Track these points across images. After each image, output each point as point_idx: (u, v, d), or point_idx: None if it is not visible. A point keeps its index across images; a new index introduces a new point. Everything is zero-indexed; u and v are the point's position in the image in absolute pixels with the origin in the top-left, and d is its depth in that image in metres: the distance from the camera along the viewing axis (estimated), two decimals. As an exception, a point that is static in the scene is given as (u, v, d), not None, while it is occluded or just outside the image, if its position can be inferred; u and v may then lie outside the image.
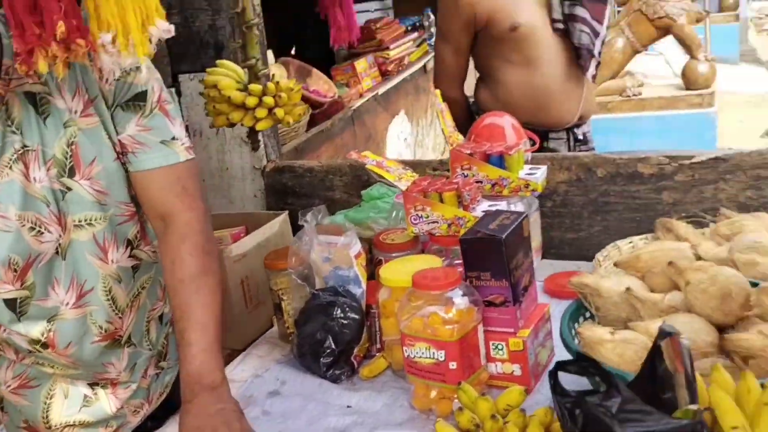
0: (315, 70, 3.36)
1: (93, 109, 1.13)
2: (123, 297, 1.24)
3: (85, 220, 1.15)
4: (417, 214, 1.47)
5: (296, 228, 1.53)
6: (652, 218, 1.76)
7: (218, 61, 1.74)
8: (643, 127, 4.76)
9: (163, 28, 0.93)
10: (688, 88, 4.72)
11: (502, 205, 1.52)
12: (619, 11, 5.12)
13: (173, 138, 1.19)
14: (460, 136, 1.69)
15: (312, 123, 3.06)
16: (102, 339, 1.23)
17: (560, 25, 2.06)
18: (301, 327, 1.42)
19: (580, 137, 2.20)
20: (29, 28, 0.82)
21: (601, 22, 2.06)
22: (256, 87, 1.62)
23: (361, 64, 3.48)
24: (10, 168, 1.08)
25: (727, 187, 1.77)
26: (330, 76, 3.56)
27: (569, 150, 2.17)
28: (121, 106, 1.15)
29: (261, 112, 1.62)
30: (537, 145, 1.75)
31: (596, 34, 2.05)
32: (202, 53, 2.51)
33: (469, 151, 1.62)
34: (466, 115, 2.22)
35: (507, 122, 1.78)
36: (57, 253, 1.15)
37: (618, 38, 4.76)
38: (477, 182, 1.61)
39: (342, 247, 1.45)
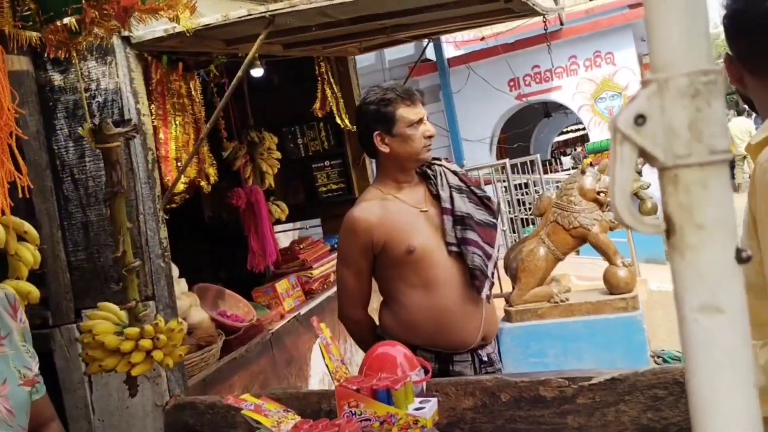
0: (234, 295, 3.34)
1: (6, 342, 1.34)
2: None
3: None
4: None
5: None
6: (559, 445, 1.67)
7: (100, 304, 1.70)
8: (574, 331, 4.79)
9: None
10: (611, 293, 4.85)
11: (388, 447, 1.42)
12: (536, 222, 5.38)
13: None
14: (348, 370, 1.63)
15: (227, 350, 2.96)
16: None
17: (454, 248, 2.11)
18: None
19: (485, 359, 2.16)
20: None
21: (492, 245, 2.13)
22: (132, 331, 1.56)
23: (282, 285, 3.48)
24: None
25: (627, 409, 1.71)
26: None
27: (475, 373, 2.11)
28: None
29: (136, 357, 1.54)
30: (429, 374, 1.70)
31: (488, 256, 2.11)
32: (106, 288, 2.48)
33: (355, 387, 1.55)
34: (371, 338, 2.19)
35: (399, 352, 1.74)
36: None
37: (540, 247, 4.96)
38: (365, 420, 1.52)
39: None
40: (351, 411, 1.54)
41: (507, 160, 6.22)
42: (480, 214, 2.14)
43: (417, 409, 1.53)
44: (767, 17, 1.16)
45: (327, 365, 1.61)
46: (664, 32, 0.38)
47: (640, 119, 0.39)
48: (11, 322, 1.37)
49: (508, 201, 6.93)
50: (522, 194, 8.72)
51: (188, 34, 1.96)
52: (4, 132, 1.00)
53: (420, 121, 2.11)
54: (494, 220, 2.17)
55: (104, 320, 1.59)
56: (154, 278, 2.43)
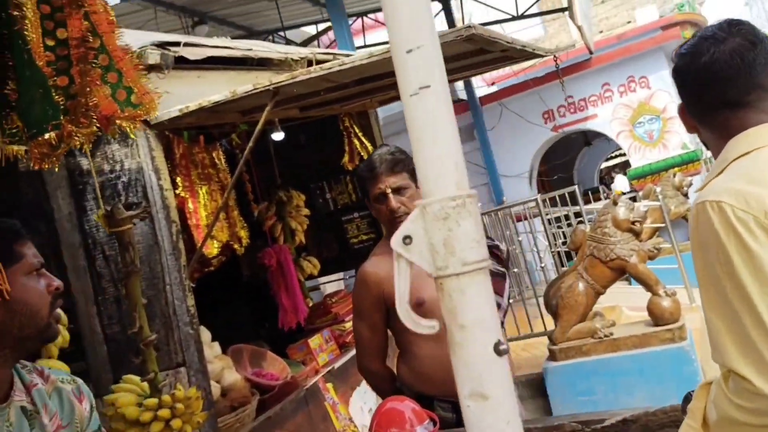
0: (269, 353, 3.41)
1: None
2: None
3: None
4: None
5: None
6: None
7: (124, 377, 1.80)
8: (621, 366, 4.67)
9: None
10: (656, 324, 4.72)
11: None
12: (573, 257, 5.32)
13: None
14: (357, 428, 1.68)
15: (264, 409, 3.03)
16: None
17: (464, 300, 2.14)
18: None
19: (501, 406, 2.16)
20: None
21: (501, 295, 2.16)
22: (150, 401, 1.65)
23: (315, 341, 3.55)
24: None
25: (640, 452, 1.70)
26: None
27: (493, 421, 2.11)
28: None
29: (156, 427, 1.63)
30: (437, 426, 1.72)
31: (497, 306, 2.13)
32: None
33: (362, 445, 1.59)
34: (390, 389, 2.23)
35: (407, 406, 1.78)
36: None
37: (578, 282, 4.90)
38: (373, 478, 1.56)
39: None
40: (359, 469, 1.58)
41: (538, 196, 6.20)
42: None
43: (423, 464, 1.56)
44: (704, 73, 1.22)
45: (334, 424, 1.66)
46: (423, 165, 0.44)
47: (407, 239, 0.44)
48: (77, 407, 1.46)
49: (548, 235, 6.89)
50: (565, 226, 8.63)
51: (209, 104, 2.09)
52: None
53: (383, 195, 2.10)
54: (503, 270, 2.20)
55: (128, 392, 1.69)
56: (184, 345, 2.54)
